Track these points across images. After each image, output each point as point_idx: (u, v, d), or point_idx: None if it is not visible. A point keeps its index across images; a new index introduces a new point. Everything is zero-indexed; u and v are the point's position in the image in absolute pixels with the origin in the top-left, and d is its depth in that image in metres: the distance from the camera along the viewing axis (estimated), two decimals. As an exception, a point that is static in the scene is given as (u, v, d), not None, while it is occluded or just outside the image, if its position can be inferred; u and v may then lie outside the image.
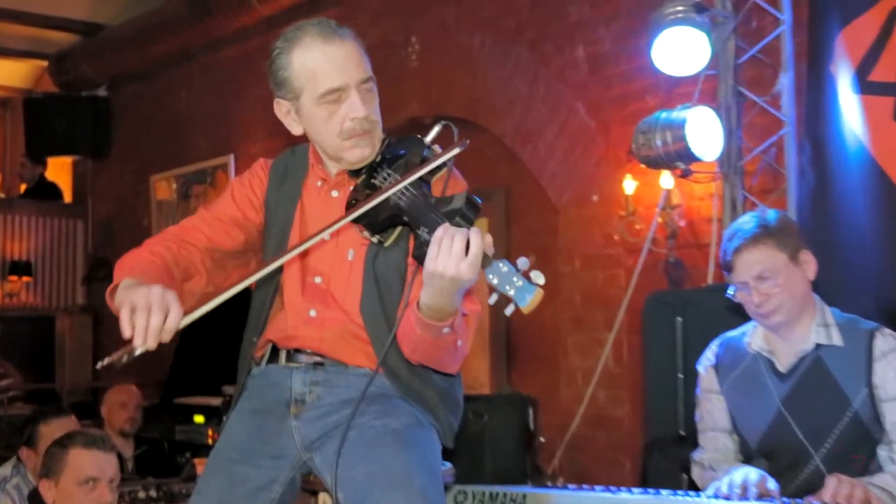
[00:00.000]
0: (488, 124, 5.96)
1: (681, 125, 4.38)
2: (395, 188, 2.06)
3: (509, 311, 1.88)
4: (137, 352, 1.92)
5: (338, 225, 2.10)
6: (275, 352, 2.32)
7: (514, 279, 1.87)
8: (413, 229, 2.04)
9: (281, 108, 2.25)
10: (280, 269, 2.26)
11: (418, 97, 6.34)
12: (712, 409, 2.89)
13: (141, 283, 1.98)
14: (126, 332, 1.91)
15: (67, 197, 10.07)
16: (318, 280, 2.26)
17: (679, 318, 3.79)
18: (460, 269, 1.88)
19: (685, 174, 4.55)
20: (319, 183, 2.30)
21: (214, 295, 2.04)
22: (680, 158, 4.43)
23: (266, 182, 2.35)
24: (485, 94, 5.97)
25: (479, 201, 2.03)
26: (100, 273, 9.38)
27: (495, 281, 1.88)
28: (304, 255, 2.25)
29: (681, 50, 4.41)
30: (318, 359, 2.26)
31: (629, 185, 5.07)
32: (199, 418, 6.31)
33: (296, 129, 2.26)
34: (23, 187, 10.06)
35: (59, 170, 10.18)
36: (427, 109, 6.24)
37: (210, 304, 2.00)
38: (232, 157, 7.76)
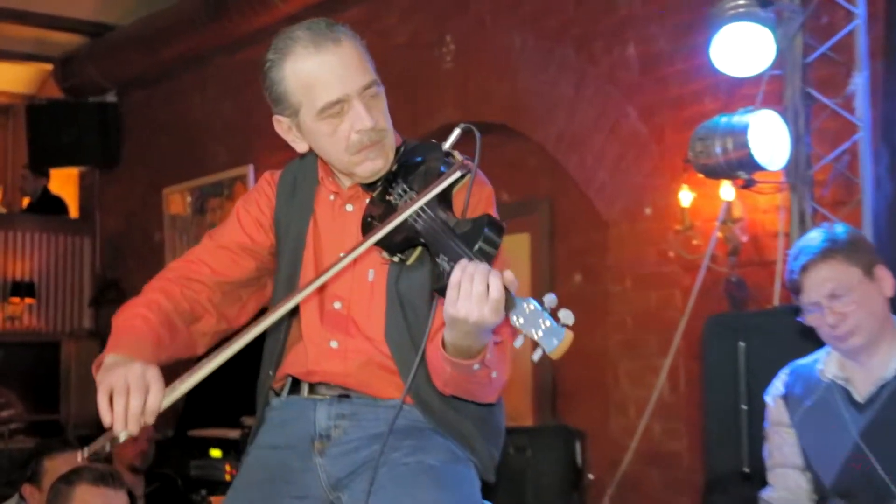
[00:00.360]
0: (530, 131, 5.96)
1: (743, 131, 4.36)
2: (410, 210, 2.05)
3: (537, 356, 1.86)
4: (121, 438, 1.95)
5: (356, 252, 2.08)
6: (296, 383, 2.32)
7: (541, 320, 1.85)
8: (432, 256, 2.03)
9: (282, 126, 2.25)
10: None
11: (453, 102, 6.35)
12: (782, 444, 2.87)
13: (122, 361, 2.01)
14: (105, 419, 1.95)
15: (73, 212, 10.16)
16: (337, 306, 2.25)
17: (742, 344, 3.78)
18: (483, 314, 1.87)
19: (748, 184, 4.53)
20: (332, 197, 2.29)
21: (228, 331, 2.07)
22: (742, 167, 4.41)
23: (274, 198, 2.35)
24: (526, 97, 5.97)
25: (503, 224, 2.01)
26: (108, 294, 9.44)
27: (520, 322, 1.86)
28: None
29: (743, 48, 4.40)
30: (343, 391, 2.25)
31: (686, 196, 5.05)
32: (215, 452, 6.33)
33: (300, 147, 2.26)
34: (25, 201, 10.16)
35: (64, 182, 10.27)
36: (462, 115, 6.24)
37: (193, 380, 2.02)
38: (251, 167, 7.80)
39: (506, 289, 1.88)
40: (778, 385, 2.92)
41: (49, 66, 9.83)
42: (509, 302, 1.88)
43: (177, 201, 8.82)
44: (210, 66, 8.49)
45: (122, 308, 2.23)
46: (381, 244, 2.10)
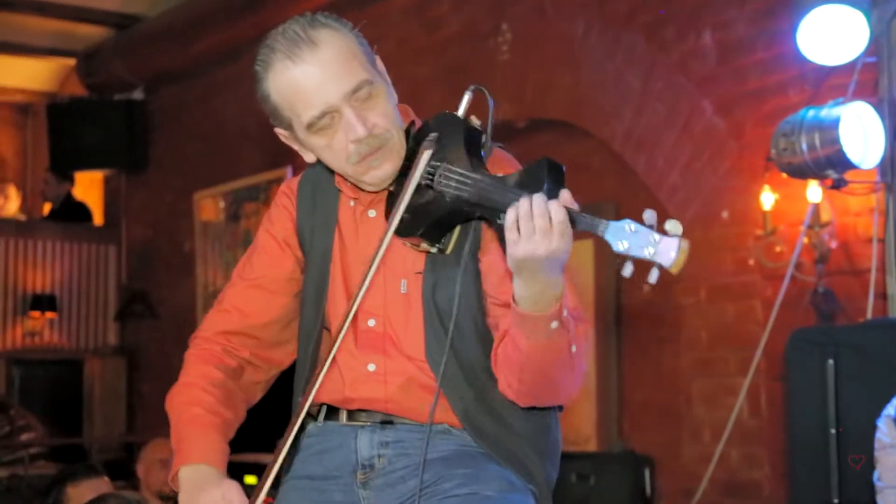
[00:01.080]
0: (594, 128, 5.96)
1: (832, 125, 4.35)
2: (421, 167, 2.06)
3: (653, 277, 1.81)
4: None
5: (385, 242, 2.09)
6: (332, 409, 2.32)
7: (650, 237, 1.81)
8: (491, 222, 2.00)
9: (285, 138, 2.27)
10: (321, 315, 2.28)
11: (510, 96, 6.34)
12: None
13: (200, 479, 2.17)
14: None
15: (98, 219, 10.27)
16: (371, 323, 2.23)
17: (830, 361, 3.76)
18: (551, 244, 1.87)
19: (838, 185, 4.51)
20: (352, 202, 2.28)
21: (278, 374, 2.29)
22: (831, 165, 4.40)
23: (294, 211, 2.35)
24: (589, 91, 5.97)
25: (563, 167, 1.98)
26: (135, 308, 9.53)
27: (626, 246, 1.82)
28: (348, 293, 2.24)
29: (833, 33, 4.39)
30: (385, 416, 2.25)
31: (767, 198, 5.03)
32: (250, 479, 6.35)
33: (308, 157, 2.25)
34: (47, 208, 10.29)
35: (87, 187, 10.39)
36: (520, 111, 6.25)
37: (267, 484, 2.19)
38: (289, 169, 7.84)
39: (573, 213, 1.88)
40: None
41: (71, 61, 9.96)
42: (586, 223, 1.87)
43: (209, 207, 8.89)
44: (245, 61, 8.48)
45: (175, 392, 2.33)
46: (424, 234, 2.10)
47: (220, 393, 2.27)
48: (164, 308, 9.21)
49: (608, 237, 1.84)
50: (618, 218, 1.83)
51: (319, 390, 2.26)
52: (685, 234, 1.80)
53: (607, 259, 6.08)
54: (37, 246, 9.70)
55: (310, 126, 2.13)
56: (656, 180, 5.68)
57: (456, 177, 2.05)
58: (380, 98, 2.14)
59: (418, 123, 2.24)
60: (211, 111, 8.96)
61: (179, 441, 2.25)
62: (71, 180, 9.99)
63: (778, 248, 5.02)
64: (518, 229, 1.88)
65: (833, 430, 3.67)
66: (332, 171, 2.27)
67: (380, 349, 2.23)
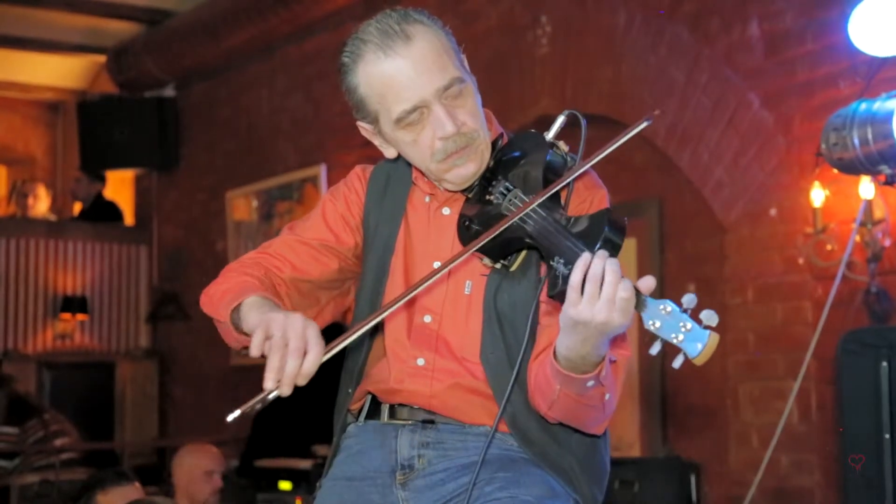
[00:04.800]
0: (636, 122, 5.92)
1: (886, 118, 4.32)
2: (519, 214, 2.06)
3: (678, 363, 1.87)
4: (271, 397, 2.00)
5: (456, 261, 2.10)
6: (375, 404, 2.34)
7: (682, 324, 1.85)
8: (545, 259, 2.04)
9: (365, 132, 2.29)
10: (378, 307, 2.28)
11: (550, 91, 6.35)
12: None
13: (274, 307, 2.08)
14: (255, 351, 2.00)
15: (129, 219, 10.34)
16: (427, 319, 2.27)
17: (884, 364, 3.73)
18: (611, 318, 1.88)
19: (891, 180, 4.50)
20: (427, 199, 2.32)
21: None
22: (884, 161, 4.37)
23: (364, 196, 2.38)
24: (632, 85, 5.96)
25: (625, 221, 2.02)
26: (166, 310, 9.59)
27: (657, 326, 1.87)
28: (408, 288, 2.25)
29: (885, 23, 4.37)
30: (427, 413, 2.27)
31: (817, 195, 5.01)
32: (285, 485, 6.38)
33: (388, 153, 2.29)
34: (77, 207, 10.36)
35: (118, 186, 10.46)
36: (560, 105, 6.23)
37: (346, 342, 2.07)
38: (323, 167, 7.86)
39: (636, 290, 1.89)
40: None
41: (102, 58, 10.03)
42: (640, 302, 1.89)
43: (241, 206, 8.93)
44: (278, 56, 8.58)
45: (213, 285, 2.27)
46: (482, 249, 2.12)
47: (265, 286, 2.22)
48: (196, 310, 9.13)
49: (643, 314, 1.88)
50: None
51: (366, 379, 2.32)
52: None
53: (650, 257, 6.06)
54: (67, 247, 9.77)
55: (398, 120, 2.17)
56: (701, 177, 5.66)
57: (522, 206, 2.09)
58: (469, 97, 2.19)
59: (497, 131, 2.28)
60: (243, 108, 9.00)
61: (237, 290, 2.17)
62: (103, 180, 10.05)
63: (829, 247, 4.99)
64: (582, 290, 1.90)
65: (887, 436, 3.64)
66: (409, 167, 2.31)
67: (432, 346, 2.26)
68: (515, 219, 2.07)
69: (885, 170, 4.43)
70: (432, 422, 2.26)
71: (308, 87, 8.19)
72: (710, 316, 1.85)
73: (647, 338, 1.90)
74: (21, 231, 9.67)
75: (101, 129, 9.59)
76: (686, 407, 5.99)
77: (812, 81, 5.15)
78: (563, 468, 2.22)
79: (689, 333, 1.85)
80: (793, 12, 5.26)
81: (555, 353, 2.00)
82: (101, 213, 10.04)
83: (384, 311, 2.11)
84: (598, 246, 1.95)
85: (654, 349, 1.89)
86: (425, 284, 2.10)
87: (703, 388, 5.79)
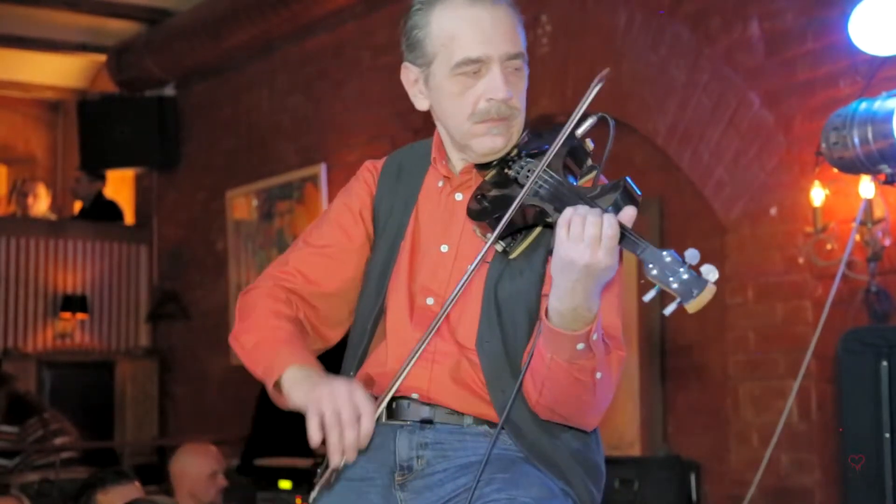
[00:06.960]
0: (637, 122, 5.94)
1: (885, 118, 4.32)
2: (540, 168, 2.10)
3: (669, 310, 1.90)
4: (341, 466, 2.09)
5: (497, 233, 2.12)
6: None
7: (681, 270, 1.88)
8: (553, 224, 2.05)
9: (409, 75, 2.31)
10: (383, 290, 2.31)
11: (550, 90, 6.34)
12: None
13: (314, 376, 2.12)
14: (315, 438, 2.05)
15: (129, 218, 10.34)
16: (430, 301, 2.28)
17: (884, 363, 3.75)
18: (597, 256, 1.92)
19: (891, 180, 4.50)
20: (441, 183, 2.34)
21: (320, 353, 2.22)
22: (884, 160, 4.37)
23: (374, 186, 2.40)
24: (632, 84, 5.96)
25: (639, 193, 2.04)
26: (167, 309, 9.58)
27: (655, 272, 1.89)
28: (412, 270, 2.29)
29: (885, 23, 4.37)
30: (426, 413, 2.27)
31: (818, 194, 5.01)
32: (284, 484, 6.39)
33: (421, 104, 2.32)
34: (77, 207, 10.36)
35: (118, 185, 10.46)
36: (561, 104, 6.24)
37: (391, 392, 2.18)
38: (324, 166, 7.85)
39: (625, 229, 1.93)
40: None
41: (102, 58, 10.02)
42: (629, 241, 1.93)
43: (242, 205, 8.93)
44: (278, 56, 8.58)
45: (244, 322, 2.30)
46: (493, 223, 2.14)
47: (294, 328, 2.26)
48: (196, 309, 9.26)
49: (644, 257, 1.91)
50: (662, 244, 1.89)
51: (366, 362, 2.33)
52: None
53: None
54: (67, 246, 9.76)
55: (457, 66, 2.20)
56: (701, 176, 5.66)
57: (540, 174, 2.12)
58: (523, 80, 2.26)
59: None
60: (244, 108, 9.00)
61: (274, 353, 2.21)
62: (103, 179, 10.05)
63: (829, 246, 4.99)
64: (568, 229, 1.93)
65: (887, 435, 3.65)
66: (426, 153, 2.35)
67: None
68: (529, 184, 2.09)
69: (886, 169, 4.43)
70: (431, 422, 2.26)
71: (308, 86, 8.19)
72: (709, 270, 1.88)
73: (642, 281, 1.92)
74: (21, 230, 9.66)
75: (101, 128, 9.59)
76: (686, 406, 5.98)
77: (812, 81, 5.15)
78: (556, 463, 2.22)
79: (686, 281, 1.87)
80: (793, 12, 5.25)
81: (547, 312, 2.02)
82: (102, 212, 10.04)
83: (423, 341, 2.17)
84: (608, 209, 1.98)
85: (649, 296, 1.92)
86: (458, 290, 2.15)
87: (703, 387, 5.79)
